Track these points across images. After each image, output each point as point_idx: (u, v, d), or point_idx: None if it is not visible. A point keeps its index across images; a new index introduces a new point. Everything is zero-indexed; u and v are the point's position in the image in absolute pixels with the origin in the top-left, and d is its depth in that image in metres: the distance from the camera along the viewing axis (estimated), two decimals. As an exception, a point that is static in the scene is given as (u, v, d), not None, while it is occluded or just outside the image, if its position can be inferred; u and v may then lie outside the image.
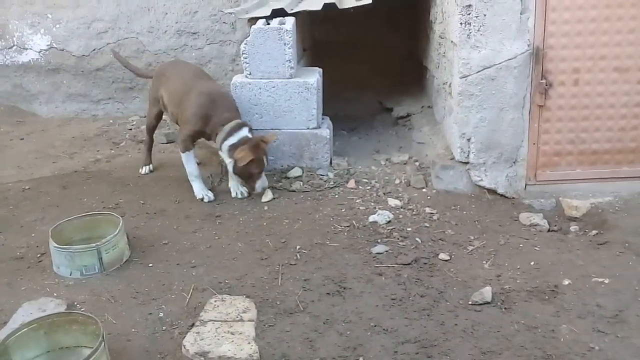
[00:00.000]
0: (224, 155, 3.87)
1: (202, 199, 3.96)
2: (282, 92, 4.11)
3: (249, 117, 4.14)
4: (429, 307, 2.87)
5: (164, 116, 4.42)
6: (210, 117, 3.84)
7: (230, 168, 3.88)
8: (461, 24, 3.68)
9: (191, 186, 4.03)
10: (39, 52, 5.79)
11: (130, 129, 5.53)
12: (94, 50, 5.75)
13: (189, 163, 3.99)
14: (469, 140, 3.87)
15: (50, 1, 5.67)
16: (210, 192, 4.00)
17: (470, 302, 2.90)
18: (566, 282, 3.04)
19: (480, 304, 2.87)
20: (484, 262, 3.25)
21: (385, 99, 5.61)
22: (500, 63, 3.69)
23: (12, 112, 5.92)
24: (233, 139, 3.79)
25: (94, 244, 3.18)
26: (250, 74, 4.11)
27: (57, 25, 5.72)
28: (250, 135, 3.82)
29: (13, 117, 5.85)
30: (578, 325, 2.71)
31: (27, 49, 5.79)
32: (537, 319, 2.77)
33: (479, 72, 3.70)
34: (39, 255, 3.40)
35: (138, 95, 5.91)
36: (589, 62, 3.70)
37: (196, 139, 4.02)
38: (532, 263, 3.22)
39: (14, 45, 5.78)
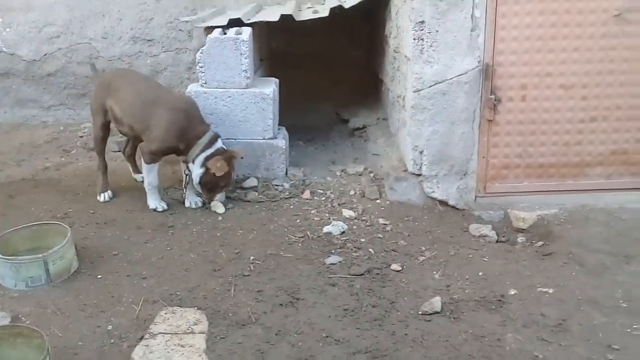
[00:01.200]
0: (194, 166, 3.82)
1: (155, 209, 3.90)
2: (238, 102, 4.11)
3: (204, 127, 4.11)
4: (380, 317, 2.91)
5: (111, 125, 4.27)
6: (186, 132, 3.78)
7: (196, 178, 3.83)
8: (414, 39, 3.76)
9: (144, 196, 3.96)
10: (-13, 55, 5.60)
11: (82, 137, 5.40)
12: (45, 55, 5.61)
13: (151, 173, 3.88)
14: (421, 152, 3.95)
15: (1, 4, 5.51)
16: (163, 202, 3.95)
17: (420, 312, 2.95)
18: (512, 292, 3.13)
19: (430, 314, 2.93)
20: (435, 272, 3.31)
21: (342, 110, 5.67)
22: (451, 78, 3.79)
23: (-44, 117, 5.70)
24: (210, 151, 3.79)
25: (41, 255, 3.10)
26: (205, 83, 4.09)
27: (7, 29, 5.56)
28: (224, 147, 3.86)
29: (-43, 122, 5.63)
30: (523, 334, 2.80)
31: (-27, 52, 5.59)
32: (485, 328, 2.84)
33: (431, 86, 3.79)
34: (-19, 267, 3.28)
35: (90, 101, 5.77)
36: (535, 79, 3.84)
37: (166, 154, 3.90)
38: (480, 273, 3.30)
39: (-40, 48, 5.58)
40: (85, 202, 4.05)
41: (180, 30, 5.61)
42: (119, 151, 5.01)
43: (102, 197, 4.07)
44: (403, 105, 4.21)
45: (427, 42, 3.74)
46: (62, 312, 2.92)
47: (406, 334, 2.79)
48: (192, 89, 4.12)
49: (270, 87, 4.17)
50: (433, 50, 3.75)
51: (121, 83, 3.99)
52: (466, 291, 3.14)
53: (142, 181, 4.22)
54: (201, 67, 4.09)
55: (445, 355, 2.66)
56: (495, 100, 3.86)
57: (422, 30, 3.73)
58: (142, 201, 3.98)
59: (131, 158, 4.37)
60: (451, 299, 3.06)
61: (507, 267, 3.38)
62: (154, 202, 3.92)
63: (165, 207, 3.92)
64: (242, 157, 3.98)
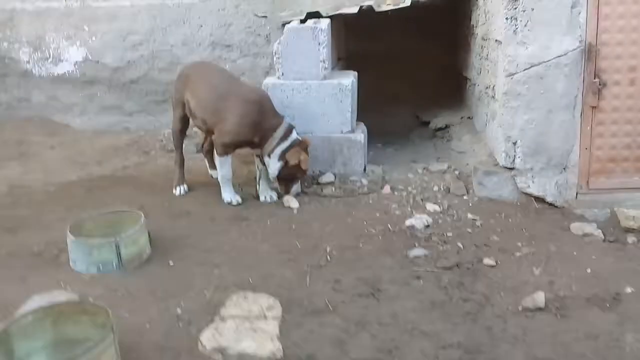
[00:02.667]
0: (270, 160, 3.69)
1: (230, 203, 3.77)
2: (316, 94, 3.94)
3: (280, 120, 3.97)
4: (473, 311, 2.58)
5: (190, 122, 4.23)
6: (259, 125, 3.65)
7: (274, 171, 3.70)
8: (507, 19, 3.46)
9: (219, 191, 3.84)
10: (74, 64, 5.79)
11: (161, 140, 5.43)
12: (129, 62, 5.72)
13: (225, 166, 3.76)
14: (514, 144, 3.60)
15: (88, 14, 5.70)
16: (238, 195, 3.81)
17: (520, 308, 2.59)
18: (629, 290, 2.70)
19: (532, 310, 2.56)
20: (534, 268, 2.94)
21: (422, 113, 5.40)
22: (549, 60, 3.45)
23: (46, 124, 5.89)
24: (286, 143, 3.65)
25: (113, 238, 3.00)
26: (282, 74, 3.96)
27: (93, 38, 5.73)
28: (300, 138, 3.71)
29: (46, 129, 5.81)
30: (646, 335, 2.38)
31: (62, 60, 5.79)
32: (598, 327, 2.45)
33: (526, 69, 3.46)
34: (56, 252, 3.24)
35: (170, 108, 5.82)
36: (646, 60, 3.43)
37: (239, 147, 3.80)
38: (588, 271, 2.90)
39: (49, 57, 5.80)
40: (161, 196, 3.97)
41: (259, 35, 5.58)
42: (198, 152, 4.97)
43: (177, 191, 3.99)
44: (492, 96, 3.90)
45: (521, 21, 3.43)
46: (131, 296, 2.78)
47: (504, 330, 2.44)
48: (269, 81, 4.01)
49: (349, 79, 3.98)
50: (528, 30, 3.44)
51: (197, 76, 3.94)
52: (573, 288, 2.75)
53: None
54: (278, 59, 3.97)
55: (553, 353, 2.29)
56: (600, 85, 3.47)
57: (516, 8, 3.43)
58: (217, 195, 3.86)
59: (209, 154, 4.29)
60: (556, 296, 2.68)
61: (620, 265, 2.95)
62: (229, 195, 3.79)
63: (240, 200, 3.78)
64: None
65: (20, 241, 3.38)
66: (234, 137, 3.67)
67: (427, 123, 5.27)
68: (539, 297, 2.59)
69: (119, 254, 3.01)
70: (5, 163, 4.82)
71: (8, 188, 4.26)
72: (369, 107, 4.77)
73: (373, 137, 4.66)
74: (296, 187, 3.78)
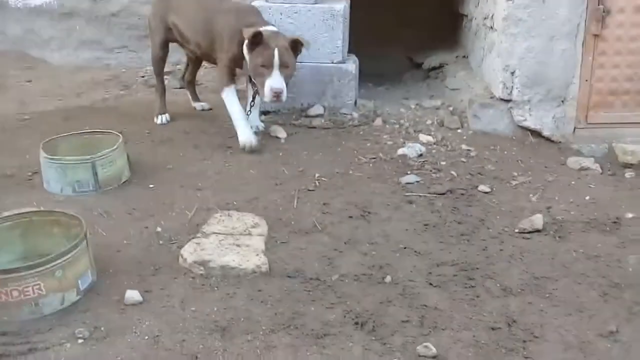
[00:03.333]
0: (247, 62, 3.24)
1: (247, 146, 3.28)
2: (305, 19, 3.73)
3: (268, 48, 3.77)
4: (468, 232, 2.47)
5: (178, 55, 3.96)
6: (240, 31, 3.22)
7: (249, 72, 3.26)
8: (509, -61, 3.27)
9: (202, 120, 3.65)
10: (52, -6, 5.50)
11: (143, 76, 5.20)
12: (109, -7, 5.44)
13: (232, 101, 3.35)
14: (512, 73, 3.45)
15: (66, -60, 5.38)
16: (256, 137, 3.36)
17: (517, 230, 2.49)
18: (629, 215, 2.61)
19: (530, 232, 2.47)
20: (531, 195, 2.83)
21: (414, 54, 5.20)
22: (552, -17, 3.28)
23: (22, 58, 5.61)
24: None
25: (89, 156, 2.83)
26: (271, -3, 3.74)
27: (72, -34, 5.43)
28: (276, 31, 3.26)
29: (22, 63, 5.54)
30: (648, 256, 2.29)
31: (39, -10, 5.50)
32: (599, 248, 2.36)
33: (528, -8, 3.29)
34: (29, 174, 3.07)
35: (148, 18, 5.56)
36: (654, -15, 3.27)
37: (234, 68, 3.41)
38: (587, 198, 2.80)
39: (26, -13, 5.49)
40: (142, 125, 3.77)
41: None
42: (181, 87, 4.76)
43: (159, 120, 3.79)
44: (491, 26, 3.72)
45: (524, -59, 3.24)
46: (108, 215, 2.63)
47: (501, 250, 2.34)
48: (256, 4, 3.78)
49: (341, 4, 3.78)
50: (531, -49, 3.25)
51: None
52: (572, 213, 2.65)
53: (202, 109, 3.99)
54: (266, -20, 3.74)
55: (552, 272, 2.20)
56: (604, 12, 3.31)
57: None
58: (201, 125, 3.69)
59: (191, 85, 4.09)
60: (554, 220, 2.58)
61: (619, 193, 2.86)
62: (246, 135, 3.30)
63: (256, 142, 3.31)
64: (307, 47, 3.30)
65: (-10, 164, 3.19)
66: (225, 54, 3.35)
67: (420, 65, 5.09)
68: (537, 219, 2.49)
69: (95, 174, 2.84)
70: (-22, 94, 4.59)
71: (-20, 117, 4.04)
72: (358, 48, 4.57)
73: (363, 78, 4.48)
74: (270, 82, 3.11)
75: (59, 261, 1.96)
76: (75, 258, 2.01)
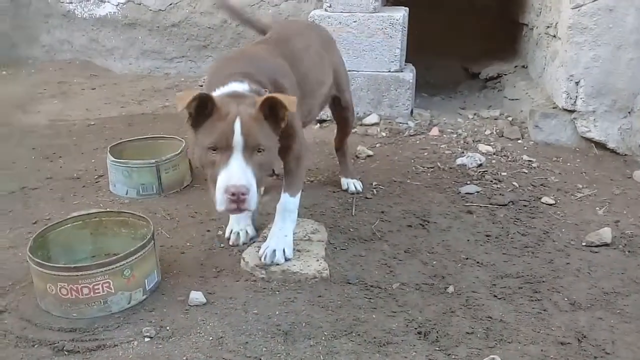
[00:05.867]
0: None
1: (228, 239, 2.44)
2: (365, 28, 3.75)
3: (326, 56, 3.80)
4: (532, 245, 2.41)
5: None
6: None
7: None
8: (576, -54, 3.20)
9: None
10: (117, 5, 5.71)
11: (201, 85, 5.32)
12: (171, 4, 5.61)
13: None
14: (577, 83, 3.36)
15: (131, -46, 5.59)
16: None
17: (584, 243, 2.40)
18: None
19: (598, 245, 2.38)
20: (597, 208, 2.74)
21: (471, 65, 5.13)
22: (620, -9, 3.18)
23: (87, 67, 5.85)
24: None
25: (154, 160, 2.91)
26: (330, 6, 3.77)
27: (136, -21, 5.63)
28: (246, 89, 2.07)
29: (87, 71, 5.77)
30: None
31: (105, 2, 5.72)
32: (671, 264, 2.25)
33: (595, 1, 3.20)
34: (96, 177, 3.18)
35: (211, 54, 5.71)
36: None
37: None
38: (659, 209, 2.68)
39: (92, -2, 5.73)
40: (201, 131, 3.87)
41: (305, -25, 5.38)
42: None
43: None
44: (554, 35, 3.64)
45: (591, -52, 3.16)
46: (171, 217, 2.70)
47: (568, 263, 2.27)
48: (316, 13, 3.82)
49: (400, 12, 3.77)
50: (599, -42, 3.17)
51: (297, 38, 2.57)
52: (641, 228, 2.54)
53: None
54: (326, -10, 3.78)
55: (622, 287, 2.11)
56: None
57: None
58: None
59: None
60: (623, 234, 2.48)
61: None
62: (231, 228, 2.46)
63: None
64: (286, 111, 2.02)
65: (59, 167, 3.33)
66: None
67: (476, 75, 5.02)
68: (605, 233, 2.40)
69: (159, 178, 2.92)
70: (47, 100, 4.79)
71: (49, 121, 4.22)
72: (415, 59, 4.55)
73: (418, 88, 4.46)
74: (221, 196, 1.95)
75: (127, 260, 2.02)
76: (143, 258, 2.07)
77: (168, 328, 1.93)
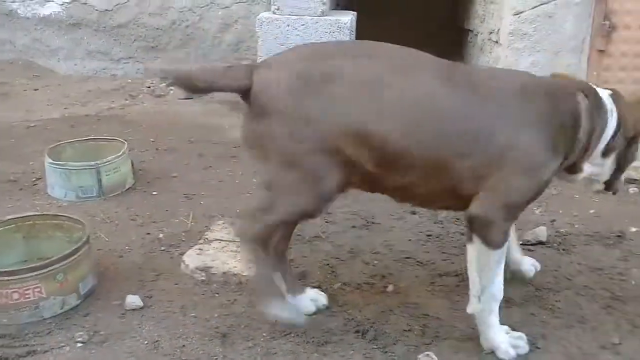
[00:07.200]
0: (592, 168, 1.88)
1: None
2: (312, 31, 3.77)
3: (274, 59, 3.80)
4: (471, 244, 2.45)
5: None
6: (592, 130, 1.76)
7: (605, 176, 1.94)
8: (515, -46, 3.30)
9: (208, 128, 3.65)
10: (62, 4, 5.56)
11: (149, 87, 5.23)
12: (117, 4, 5.50)
13: (499, 268, 1.77)
14: (517, 87, 3.46)
15: (76, -48, 5.46)
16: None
17: (520, 242, 2.46)
18: (633, 229, 2.59)
19: (534, 244, 2.45)
20: (535, 208, 2.82)
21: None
22: (558, -1, 3.30)
23: (29, 67, 5.66)
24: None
25: (93, 162, 2.84)
26: (278, 9, 3.77)
27: (82, -23, 5.50)
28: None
29: (30, 72, 5.59)
30: (652, 270, 2.27)
31: (49, 1, 5.56)
32: (602, 261, 2.34)
33: (534, 7, 3.32)
34: (34, 180, 3.09)
35: (160, 55, 5.62)
36: (659, 1, 3.29)
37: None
38: (591, 211, 2.79)
39: (35, -3, 5.56)
40: (147, 132, 3.80)
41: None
42: (187, 98, 4.76)
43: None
44: (496, 41, 3.74)
45: (530, -44, 3.27)
46: (111, 221, 2.64)
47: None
48: (263, 15, 3.82)
49: (347, 17, 3.81)
50: (537, -34, 3.28)
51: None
52: (575, 226, 2.63)
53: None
54: (274, -8, 3.78)
55: (555, 284, 2.17)
56: (609, 27, 3.33)
57: (525, -57, 3.27)
58: (205, 133, 3.70)
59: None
60: (558, 232, 2.56)
61: (623, 207, 2.84)
62: (504, 343, 1.78)
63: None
64: None
65: (-5, 169, 3.21)
66: (532, 186, 1.70)
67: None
68: (541, 231, 2.47)
69: (99, 180, 2.85)
70: (-15, 101, 4.63)
71: (-14, 123, 4.07)
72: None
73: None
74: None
75: (60, 264, 1.96)
76: (77, 262, 2.01)
77: (102, 333, 1.88)
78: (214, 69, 1.91)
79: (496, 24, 3.75)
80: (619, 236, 2.53)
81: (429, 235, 2.53)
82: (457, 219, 2.68)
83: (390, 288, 2.13)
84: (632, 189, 3.15)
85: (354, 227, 2.59)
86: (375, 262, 2.30)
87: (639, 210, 2.82)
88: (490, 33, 3.89)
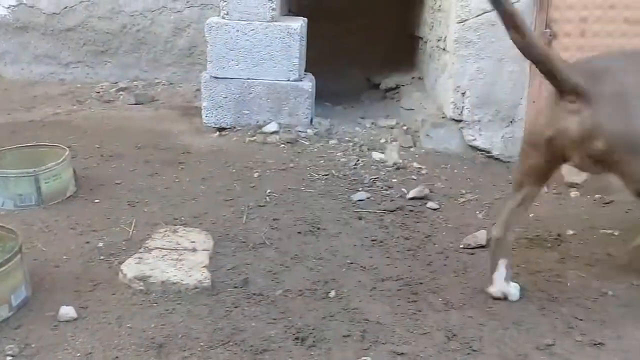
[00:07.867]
0: None
1: None
2: (262, 37, 3.75)
3: (223, 64, 3.78)
4: (414, 248, 2.49)
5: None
6: None
7: None
8: (459, -36, 3.37)
9: (152, 134, 3.59)
10: (7, 7, 5.39)
11: (98, 92, 5.12)
12: (66, 8, 5.36)
13: None
14: (463, 94, 3.53)
15: (22, -46, 5.31)
16: None
17: (461, 246, 2.51)
18: (570, 232, 2.67)
19: (473, 247, 2.49)
20: (477, 212, 2.87)
21: (373, 75, 5.27)
22: (500, 8, 3.37)
23: (-27, 72, 5.49)
24: None
25: (32, 169, 2.76)
26: (227, 13, 3.74)
27: (28, -20, 5.35)
28: None
29: (-28, 76, 5.42)
30: (587, 272, 2.34)
31: (-6, 3, 5.39)
32: (540, 264, 2.39)
33: (478, 15, 3.38)
34: (-30, 188, 2.96)
35: (110, 60, 5.50)
36: (597, 11, 3.39)
37: None
38: (531, 215, 2.84)
39: (-21, -1, 5.38)
40: (92, 139, 3.71)
41: (208, -20, 5.30)
42: (137, 104, 4.68)
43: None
44: (444, 48, 3.81)
45: (473, -34, 3.34)
46: (49, 230, 2.56)
47: (445, 265, 2.36)
48: (212, 20, 3.78)
49: (297, 23, 3.81)
50: (480, -25, 3.35)
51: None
52: (515, 230, 2.67)
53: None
54: (223, -4, 3.75)
55: (493, 287, 2.21)
56: (550, 35, 3.42)
57: (468, -48, 3.33)
58: (153, 139, 3.65)
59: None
60: (498, 236, 2.61)
61: (562, 211, 2.93)
62: None
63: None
64: None
65: None
66: None
67: (378, 85, 5.16)
68: (481, 235, 2.52)
69: (38, 188, 2.77)
70: None
71: None
72: (317, 68, 4.61)
73: (321, 97, 4.51)
74: None
75: (-11, 275, 1.89)
76: (8, 272, 1.94)
77: (33, 345, 1.82)
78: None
79: (443, 31, 3.82)
80: (556, 239, 2.60)
81: (373, 241, 2.54)
82: (403, 224, 2.71)
83: (332, 294, 2.13)
84: (573, 193, 3.25)
85: (299, 233, 2.58)
86: (319, 267, 2.30)
87: (578, 213, 2.90)
88: (438, 40, 3.96)
